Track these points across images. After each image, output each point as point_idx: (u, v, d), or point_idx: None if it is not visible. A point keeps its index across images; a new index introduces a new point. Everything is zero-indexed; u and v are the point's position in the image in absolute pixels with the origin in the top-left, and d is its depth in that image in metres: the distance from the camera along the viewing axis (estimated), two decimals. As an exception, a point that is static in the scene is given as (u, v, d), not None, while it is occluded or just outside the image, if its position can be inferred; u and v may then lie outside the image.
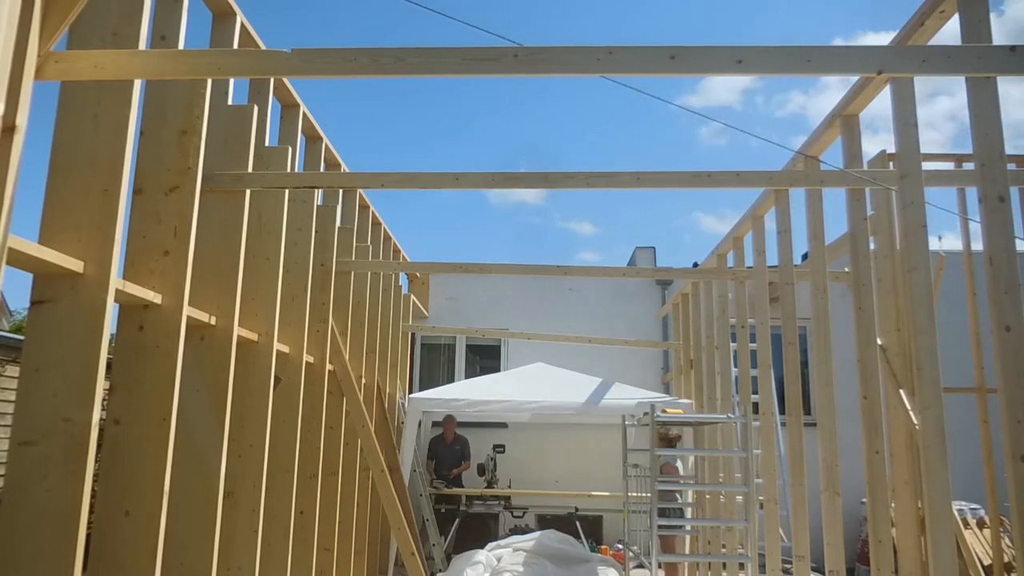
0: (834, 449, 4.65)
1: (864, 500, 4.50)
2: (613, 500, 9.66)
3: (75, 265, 2.79)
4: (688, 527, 7.87)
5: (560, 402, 8.57)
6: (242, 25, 4.19)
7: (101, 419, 2.86)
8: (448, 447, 9.66)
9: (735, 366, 7.38)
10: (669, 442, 7.68)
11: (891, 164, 4.60)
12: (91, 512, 2.82)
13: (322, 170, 6.04)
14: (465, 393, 8.78)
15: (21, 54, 2.51)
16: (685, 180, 4.52)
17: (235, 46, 4.11)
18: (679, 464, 8.23)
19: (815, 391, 5.00)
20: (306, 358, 5.22)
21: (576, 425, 10.41)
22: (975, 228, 6.08)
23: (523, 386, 8.92)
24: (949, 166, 6.03)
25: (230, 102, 4.22)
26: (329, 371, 5.83)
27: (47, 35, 2.65)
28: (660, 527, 6.43)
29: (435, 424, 10.12)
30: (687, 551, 8.12)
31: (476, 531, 8.89)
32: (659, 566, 6.23)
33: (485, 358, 11.54)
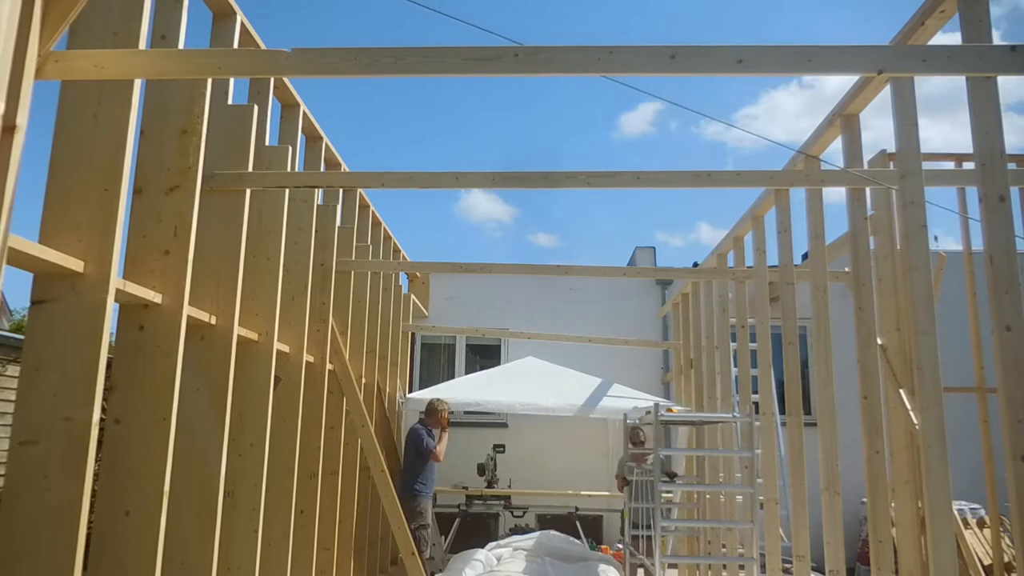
0: (834, 449, 4.64)
1: (864, 500, 4.50)
2: (613, 500, 9.67)
3: (75, 265, 2.79)
4: (673, 527, 7.89)
5: (556, 404, 8.53)
6: (242, 25, 4.19)
7: (101, 419, 2.86)
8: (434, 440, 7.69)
9: (735, 366, 7.38)
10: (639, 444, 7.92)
11: (891, 164, 4.60)
12: (91, 512, 2.82)
13: (322, 170, 6.04)
14: (465, 393, 8.70)
15: (21, 54, 2.51)
16: (685, 180, 4.52)
17: (235, 46, 4.11)
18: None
19: (815, 391, 5.00)
20: (306, 358, 5.22)
21: (576, 424, 10.40)
22: (976, 228, 6.08)
23: (519, 385, 8.89)
24: (949, 166, 6.03)
25: (230, 102, 4.22)
26: (329, 371, 5.83)
27: (47, 35, 2.65)
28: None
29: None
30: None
31: (476, 531, 8.89)
32: (663, 566, 6.20)
33: (485, 358, 11.54)
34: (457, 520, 9.00)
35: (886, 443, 4.38)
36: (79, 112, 2.96)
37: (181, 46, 3.52)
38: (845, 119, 4.46)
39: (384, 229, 8.42)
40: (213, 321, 3.82)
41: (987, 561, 7.59)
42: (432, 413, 7.58)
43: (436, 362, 11.55)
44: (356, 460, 6.70)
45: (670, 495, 8.57)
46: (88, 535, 2.87)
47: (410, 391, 9.61)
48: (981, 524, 8.49)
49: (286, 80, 5.03)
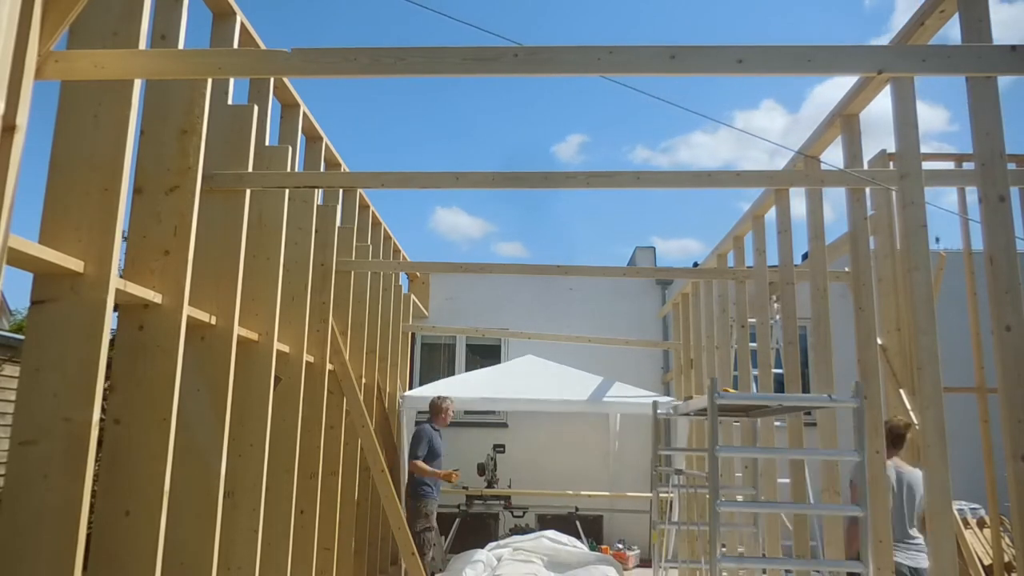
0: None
1: (864, 500, 4.49)
2: (613, 500, 9.67)
3: (75, 265, 2.79)
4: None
5: (558, 399, 8.43)
6: (242, 25, 4.19)
7: (101, 419, 2.86)
8: (441, 439, 7.67)
9: (735, 368, 7.37)
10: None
11: (891, 164, 4.60)
12: (91, 512, 2.82)
13: (322, 170, 6.04)
14: (465, 390, 8.58)
15: (21, 54, 2.51)
16: (685, 180, 4.52)
17: (235, 46, 4.11)
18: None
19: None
20: (306, 358, 5.22)
21: (576, 424, 10.41)
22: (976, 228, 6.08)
23: (519, 382, 8.80)
24: (949, 166, 6.04)
25: (230, 102, 4.22)
26: (329, 371, 5.83)
27: (47, 35, 2.65)
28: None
29: (420, 414, 8.70)
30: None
31: (476, 531, 8.89)
32: None
33: (485, 358, 11.53)
34: (457, 520, 9.00)
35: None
36: (79, 112, 2.96)
37: (181, 46, 3.52)
38: (845, 119, 4.46)
39: (384, 229, 8.42)
40: (213, 321, 3.82)
41: (987, 561, 7.59)
42: (438, 412, 7.61)
43: (436, 362, 11.55)
44: (356, 460, 6.70)
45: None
46: (88, 535, 2.87)
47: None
48: (981, 524, 8.49)
49: (286, 80, 5.03)
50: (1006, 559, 6.97)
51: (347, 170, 6.48)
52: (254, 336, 4.39)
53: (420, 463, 7.19)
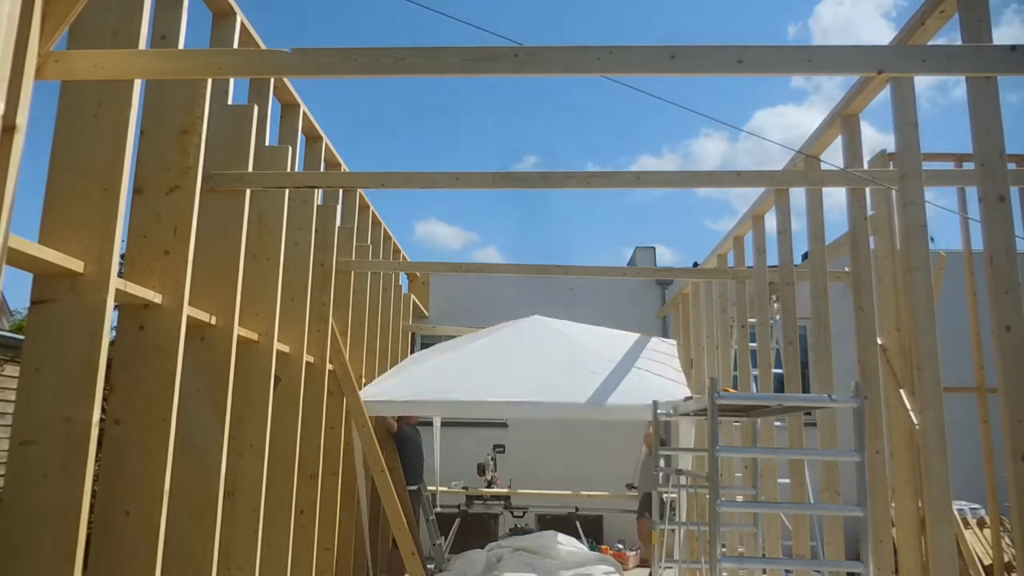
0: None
1: (864, 500, 4.49)
2: (613, 500, 9.66)
3: (75, 265, 2.79)
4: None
5: (558, 402, 6.27)
6: (242, 25, 4.19)
7: (101, 419, 2.86)
8: (412, 440, 7.61)
9: (735, 368, 7.37)
10: None
11: (891, 164, 4.60)
12: (91, 512, 2.82)
13: (322, 170, 6.04)
14: (428, 392, 6.55)
15: (21, 54, 2.51)
16: (685, 180, 4.52)
17: (235, 46, 4.11)
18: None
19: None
20: (306, 358, 5.22)
21: (576, 422, 10.39)
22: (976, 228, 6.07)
23: (520, 374, 6.59)
24: (949, 166, 6.03)
25: (230, 102, 4.22)
26: (329, 371, 5.83)
27: (47, 35, 2.65)
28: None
29: None
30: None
31: (476, 531, 8.89)
32: None
33: (485, 358, 11.51)
34: (457, 520, 9.00)
35: (886, 443, 4.38)
36: (79, 112, 2.96)
37: (181, 46, 3.53)
38: (845, 119, 4.46)
39: (384, 229, 8.42)
40: (213, 321, 3.82)
41: (987, 561, 7.59)
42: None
43: (436, 362, 11.53)
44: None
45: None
46: (88, 535, 2.88)
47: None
48: (981, 524, 8.49)
49: (286, 80, 5.03)
50: (1006, 559, 6.97)
51: (347, 170, 6.48)
52: (254, 336, 4.39)
53: None
